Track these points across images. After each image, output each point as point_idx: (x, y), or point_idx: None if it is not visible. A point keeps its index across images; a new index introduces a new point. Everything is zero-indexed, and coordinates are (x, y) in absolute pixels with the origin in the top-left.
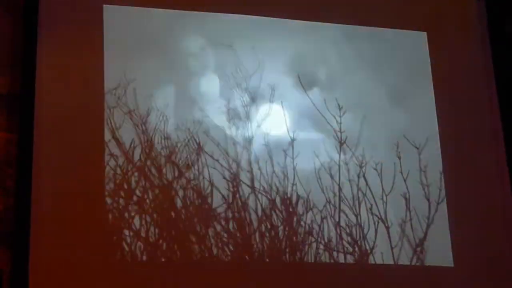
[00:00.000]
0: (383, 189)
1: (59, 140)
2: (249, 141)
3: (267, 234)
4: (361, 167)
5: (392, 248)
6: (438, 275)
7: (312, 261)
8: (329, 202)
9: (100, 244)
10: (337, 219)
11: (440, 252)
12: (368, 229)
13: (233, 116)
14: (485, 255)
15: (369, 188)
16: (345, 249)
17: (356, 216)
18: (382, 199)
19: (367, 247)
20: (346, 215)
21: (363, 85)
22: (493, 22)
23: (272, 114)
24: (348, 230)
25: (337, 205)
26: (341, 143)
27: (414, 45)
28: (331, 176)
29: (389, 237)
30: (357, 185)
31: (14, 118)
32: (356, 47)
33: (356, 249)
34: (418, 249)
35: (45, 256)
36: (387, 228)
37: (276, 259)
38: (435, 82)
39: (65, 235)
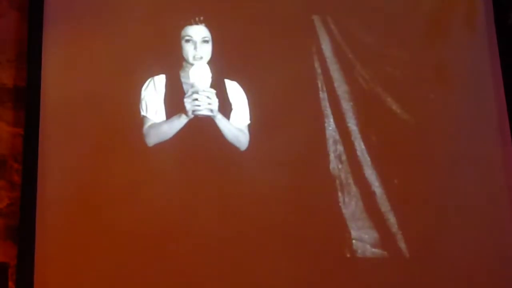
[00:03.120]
0: None
1: (65, 134)
2: None
3: None
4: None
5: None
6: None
7: None
8: None
9: (105, 240)
10: None
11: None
12: None
13: None
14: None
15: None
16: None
17: None
18: None
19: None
20: None
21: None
22: (498, 15)
23: None
24: None
25: None
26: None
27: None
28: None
29: None
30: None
31: (20, 111)
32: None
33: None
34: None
35: (51, 251)
36: None
37: None
38: (441, 74)
39: (70, 230)
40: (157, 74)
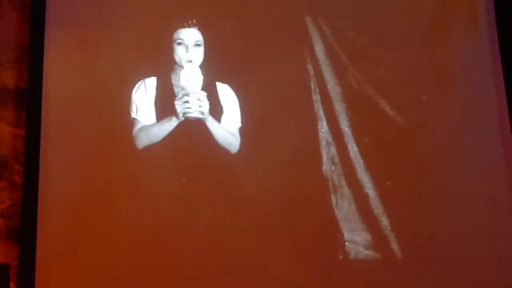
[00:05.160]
0: None
1: (66, 135)
2: None
3: None
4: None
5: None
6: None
7: None
8: None
9: (106, 241)
10: None
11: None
12: None
13: None
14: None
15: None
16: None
17: None
18: None
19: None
20: None
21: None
22: (499, 16)
23: None
24: None
25: None
26: None
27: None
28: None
29: None
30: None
31: (22, 112)
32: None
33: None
34: None
35: (52, 251)
36: None
37: None
38: (440, 76)
39: (72, 231)
40: (148, 76)
